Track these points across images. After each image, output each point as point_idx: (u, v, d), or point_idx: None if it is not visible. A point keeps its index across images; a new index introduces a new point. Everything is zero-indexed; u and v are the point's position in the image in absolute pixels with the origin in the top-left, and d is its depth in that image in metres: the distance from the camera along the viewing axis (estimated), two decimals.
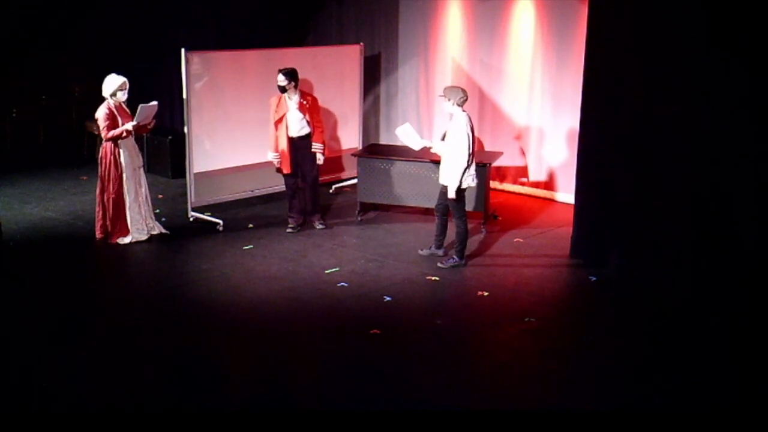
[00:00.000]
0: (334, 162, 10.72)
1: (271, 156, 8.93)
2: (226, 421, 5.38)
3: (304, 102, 8.86)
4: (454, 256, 8.10)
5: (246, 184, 9.93)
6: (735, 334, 6.64)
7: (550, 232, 9.25)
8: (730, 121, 7.01)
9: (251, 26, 11.80)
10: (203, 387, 5.83)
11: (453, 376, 5.99)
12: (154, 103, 8.53)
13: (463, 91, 7.85)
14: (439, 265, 8.09)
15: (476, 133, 10.75)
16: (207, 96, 9.35)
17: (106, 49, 13.21)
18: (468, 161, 7.75)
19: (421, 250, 8.48)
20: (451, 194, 7.81)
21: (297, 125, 8.85)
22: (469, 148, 7.71)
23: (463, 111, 7.80)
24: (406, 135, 8.37)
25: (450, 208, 8.04)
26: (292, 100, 8.81)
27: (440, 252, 8.31)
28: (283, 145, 8.82)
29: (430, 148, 8.31)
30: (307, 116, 8.87)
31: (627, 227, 7.79)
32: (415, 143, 8.36)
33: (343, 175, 10.89)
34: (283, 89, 8.75)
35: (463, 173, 7.77)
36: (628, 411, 5.53)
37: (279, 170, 9.00)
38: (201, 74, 9.34)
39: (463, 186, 7.85)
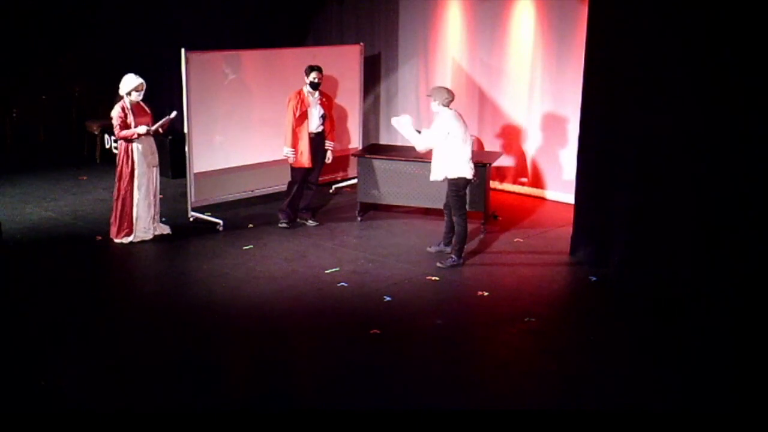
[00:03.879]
0: (334, 162, 10.72)
1: (287, 151, 8.94)
2: (226, 421, 5.38)
3: (324, 99, 9.05)
4: (453, 256, 8.12)
5: (246, 184, 9.94)
6: (735, 334, 6.64)
7: (550, 232, 9.25)
8: (731, 121, 7.01)
9: (251, 26, 11.80)
10: (203, 387, 5.83)
11: (453, 376, 5.99)
12: (174, 114, 8.53)
13: (449, 91, 7.98)
14: (438, 264, 8.09)
15: (470, 129, 10.80)
16: (207, 96, 9.35)
17: (105, 49, 13.21)
18: (466, 148, 7.88)
19: (430, 247, 8.50)
20: (436, 177, 7.97)
21: (316, 121, 9.00)
22: (440, 140, 7.83)
23: (450, 109, 7.93)
24: (399, 124, 8.29)
25: (451, 204, 8.07)
26: (315, 96, 8.92)
27: (449, 249, 8.31)
28: (305, 140, 8.89)
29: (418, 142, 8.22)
30: (325, 113, 9.06)
31: (627, 227, 7.79)
32: (408, 133, 8.20)
33: (343, 175, 10.89)
34: (318, 85, 8.93)
35: (456, 162, 7.89)
36: (628, 411, 5.53)
37: (294, 166, 8.99)
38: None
39: (451, 176, 7.92)
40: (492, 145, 10.90)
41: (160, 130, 8.57)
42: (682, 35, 7.19)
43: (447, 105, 7.91)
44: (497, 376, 6.00)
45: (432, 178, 8.10)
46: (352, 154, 9.97)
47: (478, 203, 9.10)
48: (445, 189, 8.21)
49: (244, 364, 6.33)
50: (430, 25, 11.22)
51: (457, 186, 7.98)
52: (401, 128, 8.31)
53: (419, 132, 8.23)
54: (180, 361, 6.22)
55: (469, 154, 7.97)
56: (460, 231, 8.07)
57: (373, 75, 11.50)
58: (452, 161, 7.91)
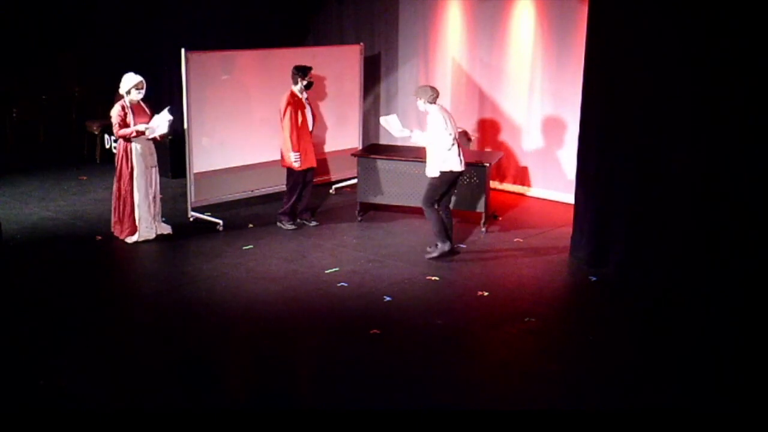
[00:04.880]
0: (334, 162, 10.73)
1: (294, 157, 8.84)
2: (226, 421, 5.38)
3: (309, 98, 9.09)
4: (437, 243, 8.28)
5: (246, 184, 9.94)
6: (735, 334, 6.64)
7: (550, 232, 9.25)
8: (730, 121, 7.01)
9: (251, 26, 11.80)
10: (203, 387, 5.83)
11: (453, 376, 5.99)
12: (170, 118, 8.47)
13: (433, 89, 8.14)
14: (427, 256, 8.25)
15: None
16: (207, 96, 9.35)
17: (105, 49, 13.22)
18: (449, 143, 7.99)
19: (430, 247, 8.51)
20: (433, 173, 8.08)
21: (311, 120, 9.01)
22: (447, 131, 7.96)
23: (435, 105, 8.08)
24: (388, 123, 8.50)
25: (424, 193, 8.23)
26: (304, 95, 8.94)
27: (446, 248, 8.35)
28: (308, 139, 8.91)
29: (409, 137, 8.42)
30: (313, 111, 9.10)
31: (627, 227, 7.79)
32: (396, 131, 8.46)
33: (343, 175, 10.89)
34: (312, 85, 8.94)
35: (446, 157, 8.05)
36: (629, 411, 5.53)
37: (299, 169, 8.92)
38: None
39: (445, 169, 8.03)
40: (492, 145, 10.90)
41: (158, 138, 8.52)
42: (682, 35, 7.19)
43: (433, 102, 8.07)
44: (497, 376, 6.00)
45: (427, 173, 8.21)
46: (352, 154, 9.97)
47: (478, 203, 9.11)
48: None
49: (244, 364, 6.33)
50: (430, 25, 11.22)
51: (442, 179, 8.10)
52: (390, 128, 8.48)
53: (411, 131, 8.39)
54: (180, 361, 6.22)
55: (457, 148, 8.12)
56: (432, 219, 8.24)
57: (373, 75, 11.50)
58: (443, 155, 8.05)
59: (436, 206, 8.24)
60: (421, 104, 8.10)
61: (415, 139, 8.30)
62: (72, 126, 13.48)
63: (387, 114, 11.45)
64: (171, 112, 8.50)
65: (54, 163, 12.12)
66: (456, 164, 8.09)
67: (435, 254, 8.25)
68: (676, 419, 5.44)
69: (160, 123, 8.39)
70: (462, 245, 8.71)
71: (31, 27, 13.35)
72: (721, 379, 5.93)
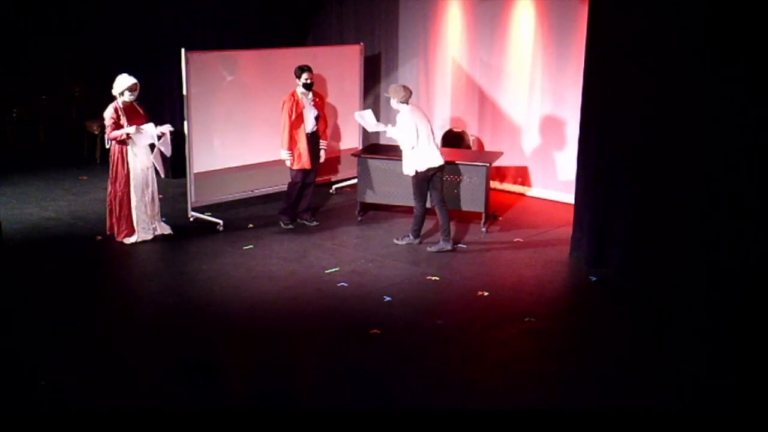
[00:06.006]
0: (334, 162, 10.72)
1: (284, 155, 8.92)
2: (226, 421, 5.38)
3: (317, 99, 9.07)
4: (410, 235, 8.62)
5: (246, 184, 9.93)
6: (735, 334, 6.65)
7: (550, 232, 9.25)
8: (731, 121, 7.01)
9: (251, 26, 11.79)
10: (203, 387, 5.83)
11: (453, 376, 5.99)
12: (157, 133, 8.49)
13: (405, 88, 8.33)
14: (395, 240, 8.65)
15: (469, 129, 10.87)
16: (207, 96, 9.35)
17: (105, 49, 13.20)
18: (416, 145, 8.19)
19: (430, 246, 8.56)
20: (409, 172, 8.35)
21: (312, 122, 9.00)
22: (415, 134, 8.15)
23: (408, 105, 8.27)
24: (362, 118, 8.82)
25: (413, 190, 8.49)
26: (308, 96, 8.90)
27: (449, 246, 8.40)
28: (304, 141, 8.91)
29: (384, 132, 8.65)
30: (319, 113, 9.08)
31: (627, 227, 7.79)
32: (371, 126, 8.80)
33: (343, 175, 10.88)
34: (311, 85, 8.95)
35: (420, 156, 8.27)
36: (628, 411, 5.53)
37: (293, 168, 8.98)
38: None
39: (421, 169, 8.25)
40: (492, 145, 10.90)
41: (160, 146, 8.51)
42: (682, 35, 7.19)
43: (405, 102, 8.24)
44: (497, 376, 6.00)
45: (404, 172, 8.43)
46: (352, 154, 9.97)
47: (478, 203, 9.11)
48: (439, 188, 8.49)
49: (244, 364, 6.33)
50: (430, 25, 11.22)
51: (419, 176, 8.29)
52: (365, 123, 8.75)
53: (386, 125, 8.64)
54: (180, 361, 6.22)
55: (434, 145, 8.32)
56: (417, 215, 8.56)
57: (373, 75, 11.50)
58: (419, 154, 8.22)
59: (426, 203, 8.49)
60: (394, 103, 8.29)
61: (391, 134, 8.49)
62: (72, 126, 13.47)
63: (387, 113, 11.50)
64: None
65: (54, 163, 12.12)
66: (430, 162, 8.27)
67: (402, 242, 8.65)
68: (675, 419, 5.44)
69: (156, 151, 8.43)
70: (462, 245, 8.72)
71: (31, 27, 13.33)
72: (721, 379, 5.93)
